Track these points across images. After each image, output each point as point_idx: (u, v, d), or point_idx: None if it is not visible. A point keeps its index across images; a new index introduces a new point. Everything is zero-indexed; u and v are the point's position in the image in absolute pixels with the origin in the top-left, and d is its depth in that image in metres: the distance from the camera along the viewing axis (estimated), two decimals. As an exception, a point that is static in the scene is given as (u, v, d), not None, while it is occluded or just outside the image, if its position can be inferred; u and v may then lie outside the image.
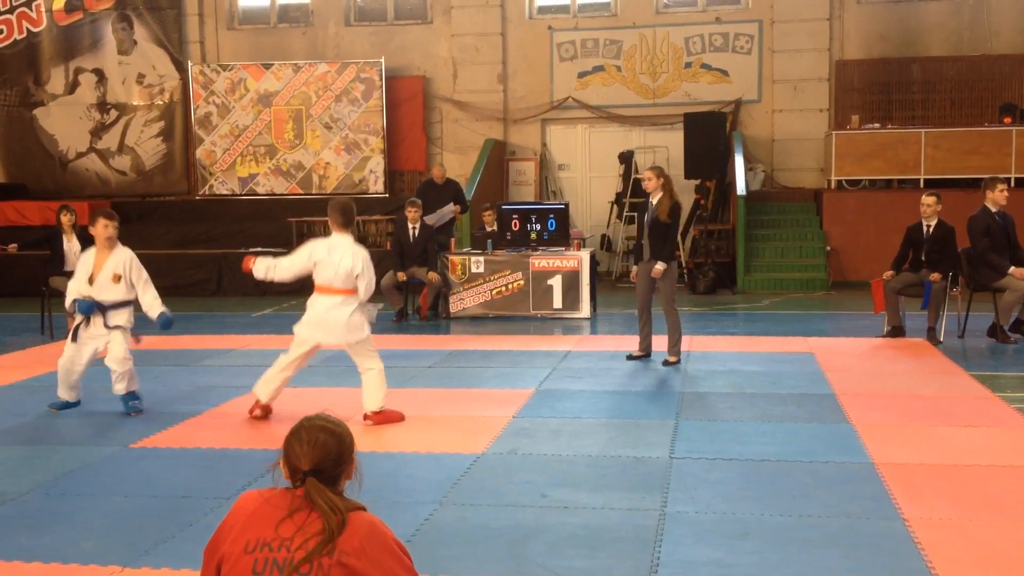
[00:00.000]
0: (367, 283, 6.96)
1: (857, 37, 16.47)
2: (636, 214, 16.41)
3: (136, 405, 7.48)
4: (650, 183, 8.99)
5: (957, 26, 16.21)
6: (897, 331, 10.24)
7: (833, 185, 15.37)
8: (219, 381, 8.58)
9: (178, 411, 7.49)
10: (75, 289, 7.43)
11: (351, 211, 7.06)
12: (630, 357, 9.24)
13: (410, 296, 12.55)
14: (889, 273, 10.27)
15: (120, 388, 7.45)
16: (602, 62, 17.02)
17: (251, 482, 5.65)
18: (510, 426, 6.94)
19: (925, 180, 14.75)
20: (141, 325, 7.70)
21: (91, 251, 7.53)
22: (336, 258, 6.87)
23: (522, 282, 12.24)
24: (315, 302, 7.04)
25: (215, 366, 9.39)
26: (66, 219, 11.47)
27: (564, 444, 6.48)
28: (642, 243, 9.10)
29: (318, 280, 6.97)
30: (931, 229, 10.20)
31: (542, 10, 17.39)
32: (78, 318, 7.46)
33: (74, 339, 7.43)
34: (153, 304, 7.55)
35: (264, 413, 7.22)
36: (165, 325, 7.56)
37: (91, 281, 7.39)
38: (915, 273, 10.26)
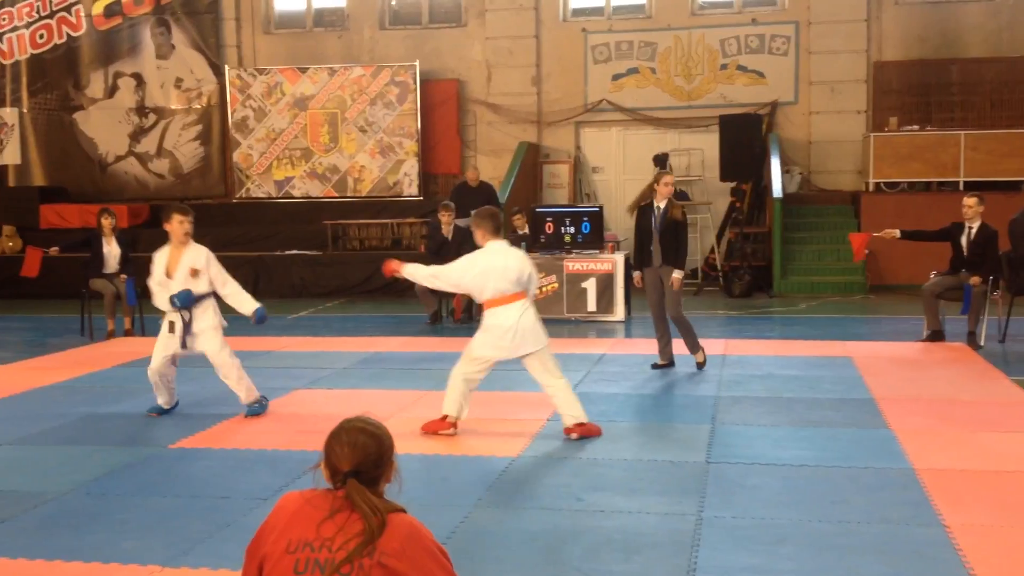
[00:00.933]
0: (536, 282, 6.93)
1: (895, 38, 16.31)
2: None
3: (256, 409, 7.53)
4: (667, 188, 8.79)
5: (996, 27, 16.01)
6: (937, 335, 10.12)
7: (871, 188, 15.23)
8: (257, 383, 8.58)
9: (216, 412, 7.55)
10: (159, 285, 7.34)
11: (500, 217, 6.95)
12: (654, 366, 9.09)
13: (444, 299, 12.57)
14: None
15: (242, 396, 7.52)
16: (636, 64, 16.97)
17: (288, 483, 5.69)
18: (545, 429, 6.93)
19: (964, 182, 14.60)
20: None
21: (164, 249, 7.43)
22: (501, 264, 6.63)
23: (556, 285, 12.23)
24: (497, 315, 6.64)
25: (252, 367, 9.40)
26: (106, 222, 11.60)
27: (599, 448, 6.47)
28: (651, 249, 8.87)
29: (488, 293, 6.66)
30: (973, 231, 10.07)
31: (576, 12, 17.37)
32: (173, 316, 7.33)
33: (171, 331, 7.32)
34: (243, 299, 7.49)
35: (454, 428, 6.86)
36: (260, 319, 7.50)
37: (168, 277, 7.30)
38: (954, 276, 10.15)
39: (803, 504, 5.25)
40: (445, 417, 6.83)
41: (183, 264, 7.34)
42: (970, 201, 10.07)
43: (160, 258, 7.40)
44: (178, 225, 7.34)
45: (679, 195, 16.46)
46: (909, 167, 15.03)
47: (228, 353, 7.46)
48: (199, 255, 7.41)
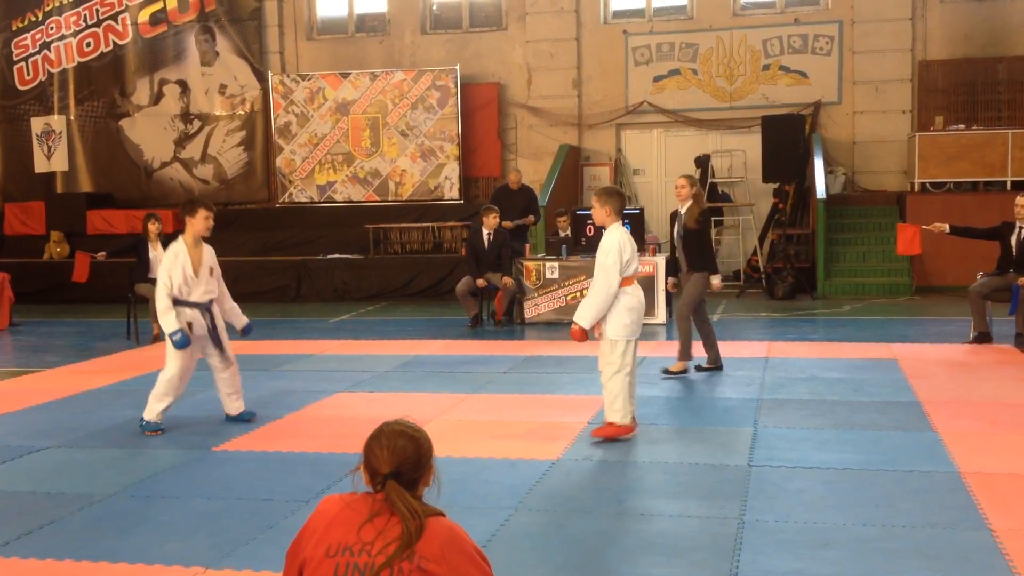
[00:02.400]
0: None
1: (941, 37, 16.10)
2: (711, 218, 16.27)
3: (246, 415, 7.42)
4: (683, 191, 8.57)
5: (1044, 24, 15.75)
6: (984, 337, 9.97)
7: (917, 188, 15.04)
8: (298, 386, 8.71)
9: (259, 415, 7.60)
10: (186, 285, 6.96)
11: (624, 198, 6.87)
12: (698, 368, 8.92)
13: (484, 301, 12.60)
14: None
15: (240, 406, 7.45)
16: (678, 65, 16.90)
17: (329, 486, 5.72)
18: (585, 432, 6.91)
19: (1012, 182, 14.38)
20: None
21: (178, 248, 7.00)
22: (630, 240, 6.63)
23: (598, 288, 12.17)
24: (631, 294, 6.57)
25: (294, 371, 9.53)
26: (152, 227, 11.75)
27: (640, 451, 6.44)
28: (676, 256, 8.78)
29: (627, 272, 6.54)
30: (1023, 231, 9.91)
31: (617, 14, 17.33)
32: (192, 315, 7.04)
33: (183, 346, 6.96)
34: (235, 310, 7.45)
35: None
36: (247, 332, 7.57)
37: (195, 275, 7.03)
38: (1002, 277, 9.99)
39: (847, 508, 5.19)
40: (613, 424, 6.63)
41: (205, 263, 7.09)
42: (1022, 200, 9.90)
43: (180, 258, 6.98)
44: (203, 221, 7.05)
45: (721, 196, 16.45)
46: (955, 167, 14.82)
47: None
48: (211, 252, 7.21)
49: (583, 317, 6.53)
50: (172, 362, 7.08)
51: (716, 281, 8.62)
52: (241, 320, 7.50)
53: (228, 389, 7.42)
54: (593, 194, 6.85)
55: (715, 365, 8.92)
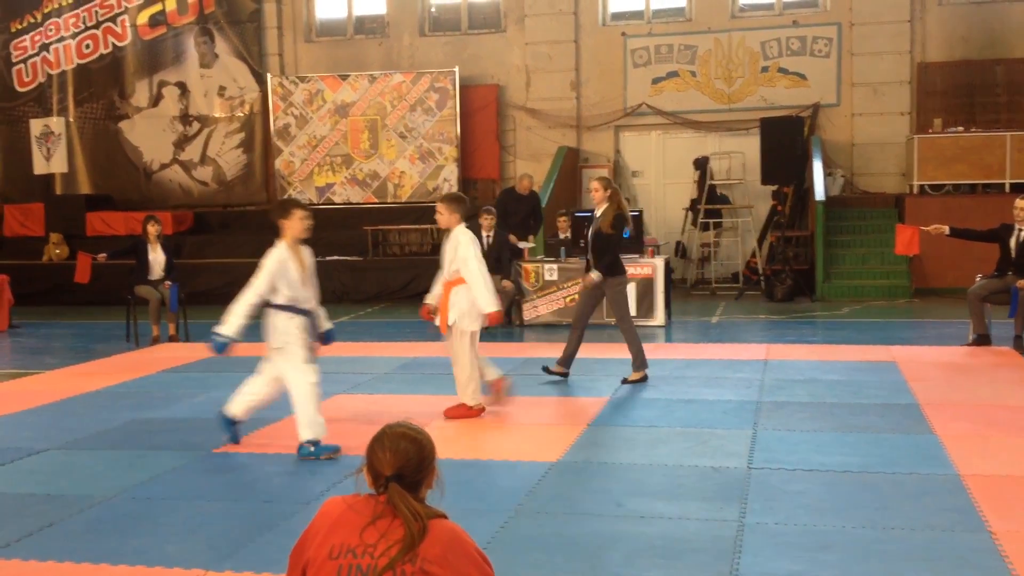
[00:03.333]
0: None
1: (939, 39, 16.11)
2: (710, 220, 16.29)
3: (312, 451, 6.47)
4: (597, 194, 8.53)
5: (1043, 26, 15.77)
6: (983, 339, 9.98)
7: (916, 190, 15.05)
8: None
9: (258, 417, 7.57)
10: (293, 289, 6.50)
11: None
12: (545, 370, 8.78)
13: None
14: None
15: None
16: (676, 67, 16.91)
17: (330, 487, 5.73)
18: (584, 435, 6.92)
19: (1011, 184, 14.39)
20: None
21: (281, 253, 6.54)
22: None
23: (597, 290, 12.18)
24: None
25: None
26: (152, 229, 11.74)
27: (639, 453, 6.45)
28: (588, 257, 8.72)
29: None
30: (1023, 234, 9.92)
31: (616, 16, 17.34)
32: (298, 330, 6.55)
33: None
34: (323, 314, 6.88)
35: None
36: (328, 340, 6.95)
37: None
38: (1001, 279, 10.00)
39: (846, 510, 5.20)
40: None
41: (308, 266, 6.66)
42: (1021, 203, 9.91)
43: (286, 263, 6.52)
44: (299, 222, 6.60)
45: (720, 198, 16.46)
46: (954, 169, 14.84)
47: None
48: (310, 254, 6.78)
49: (487, 303, 7.35)
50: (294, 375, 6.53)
51: (594, 275, 8.48)
52: (325, 325, 6.95)
53: (258, 399, 6.83)
54: (440, 200, 7.71)
55: (564, 370, 8.81)
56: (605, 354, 10.17)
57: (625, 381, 8.57)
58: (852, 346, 10.32)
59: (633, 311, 11.99)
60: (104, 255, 12.11)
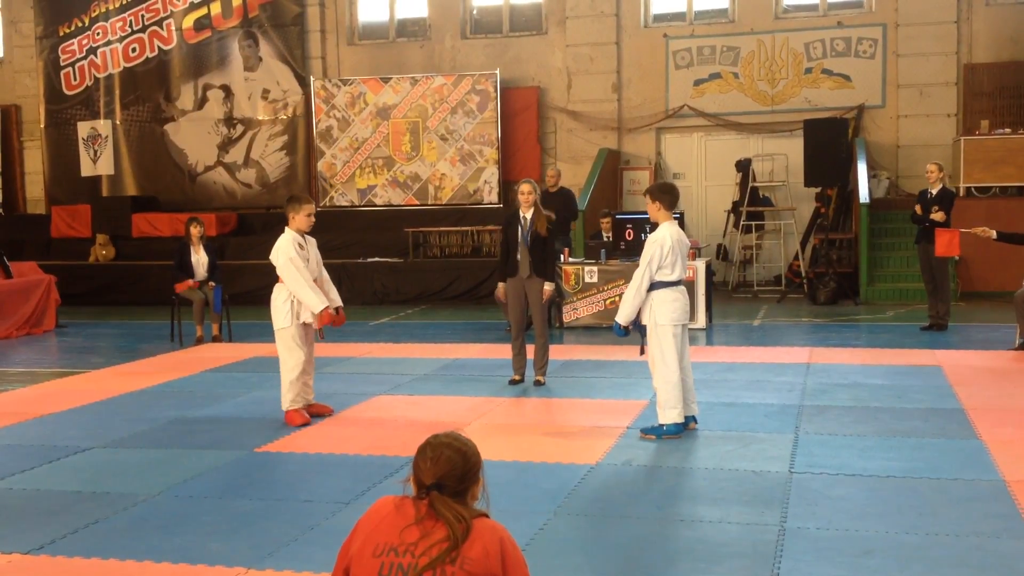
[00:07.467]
0: None
1: (986, 40, 15.89)
2: (752, 223, 16.17)
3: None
4: (530, 197, 8.52)
5: (1094, 26, 15.50)
6: (1030, 344, 9.83)
7: (962, 192, 14.83)
8: (339, 388, 8.76)
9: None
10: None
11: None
12: (512, 382, 8.76)
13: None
14: None
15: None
16: (719, 69, 16.81)
17: (370, 487, 5.75)
18: (624, 437, 6.90)
19: (1060, 186, 14.16)
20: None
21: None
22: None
23: (637, 292, 12.12)
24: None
25: (335, 374, 9.59)
26: (195, 231, 11.87)
27: (680, 456, 6.41)
28: (517, 259, 8.63)
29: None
30: (1069, 237, 9.76)
31: (658, 18, 17.28)
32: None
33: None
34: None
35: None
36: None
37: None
38: (1050, 283, 9.84)
39: (889, 516, 5.14)
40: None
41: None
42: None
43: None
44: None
45: (762, 201, 16.35)
46: (1001, 171, 14.62)
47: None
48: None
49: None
50: None
51: (549, 287, 8.64)
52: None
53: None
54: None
55: (522, 378, 8.84)
56: (645, 356, 10.13)
57: (537, 383, 8.71)
58: (896, 350, 10.20)
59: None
60: (193, 281, 11.76)
